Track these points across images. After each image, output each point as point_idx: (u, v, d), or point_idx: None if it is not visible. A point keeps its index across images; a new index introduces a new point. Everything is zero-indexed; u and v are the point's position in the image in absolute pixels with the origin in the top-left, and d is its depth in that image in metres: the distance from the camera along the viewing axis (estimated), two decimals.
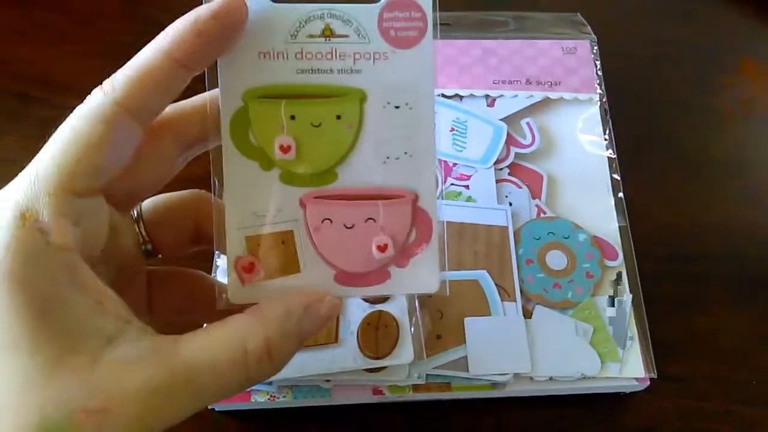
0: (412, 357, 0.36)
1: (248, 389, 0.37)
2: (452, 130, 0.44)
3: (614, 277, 0.40)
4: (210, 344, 0.23)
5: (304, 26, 0.26)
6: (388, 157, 0.27)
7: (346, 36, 0.26)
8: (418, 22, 0.26)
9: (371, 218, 0.27)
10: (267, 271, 0.27)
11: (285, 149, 0.26)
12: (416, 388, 0.37)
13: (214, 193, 0.27)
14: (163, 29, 0.24)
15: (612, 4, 0.58)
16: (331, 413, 0.39)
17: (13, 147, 0.48)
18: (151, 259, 0.30)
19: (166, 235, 0.29)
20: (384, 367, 0.37)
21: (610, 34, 0.50)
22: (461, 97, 0.46)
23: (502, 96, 0.46)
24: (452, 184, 0.43)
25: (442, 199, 0.42)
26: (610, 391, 0.39)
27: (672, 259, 0.45)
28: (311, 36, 0.26)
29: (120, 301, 0.23)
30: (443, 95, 0.46)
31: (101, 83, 0.23)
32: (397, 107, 0.27)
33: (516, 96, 0.46)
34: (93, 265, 0.23)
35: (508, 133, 0.44)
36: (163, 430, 0.22)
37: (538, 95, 0.46)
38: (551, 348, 0.38)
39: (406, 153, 0.27)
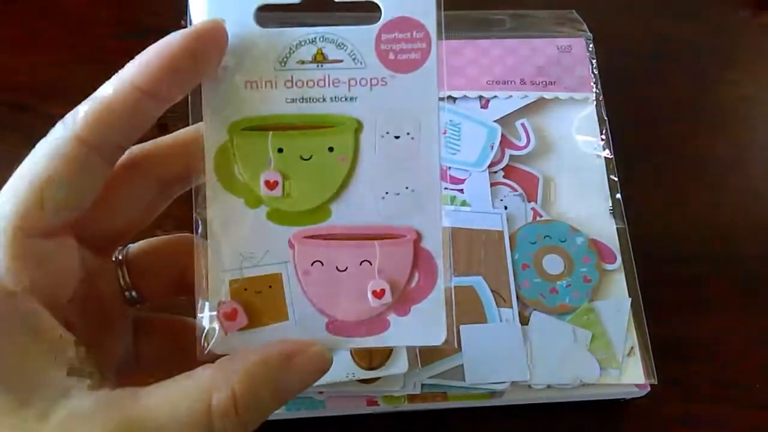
0: (406, 367, 0.35)
1: None
2: (445, 133, 0.44)
3: (613, 280, 0.40)
4: (172, 396, 0.21)
5: (294, 52, 0.24)
6: (387, 193, 0.25)
7: (341, 61, 0.24)
8: (420, 43, 0.24)
9: (367, 260, 0.25)
10: (251, 318, 0.24)
11: (271, 185, 0.24)
12: (411, 398, 0.37)
13: (197, 234, 0.25)
14: (155, 35, 0.22)
15: (607, 0, 0.57)
16: (325, 424, 0.38)
17: (3, 157, 0.47)
18: (137, 305, 0.28)
19: (152, 281, 0.27)
20: (378, 378, 0.36)
21: (606, 32, 0.49)
22: (454, 99, 0.45)
23: (495, 97, 0.45)
24: (446, 188, 0.42)
25: None
26: (610, 397, 0.38)
27: (672, 260, 0.44)
28: (302, 62, 0.24)
29: (83, 351, 0.21)
30: None
31: (93, 91, 0.22)
32: (397, 137, 0.24)
33: (510, 97, 0.45)
34: (60, 311, 0.22)
35: (502, 135, 0.44)
36: None
37: (532, 95, 0.45)
38: (549, 355, 0.37)
39: (407, 188, 0.24)
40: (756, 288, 0.44)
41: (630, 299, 0.39)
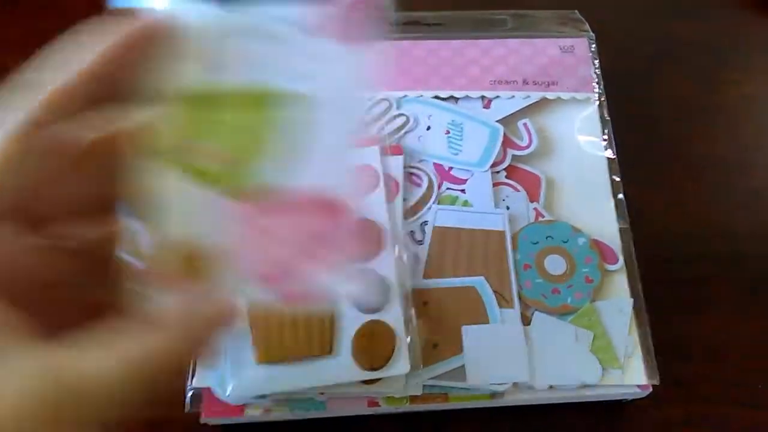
0: (408, 368, 0.35)
1: (243, 402, 0.36)
2: (447, 133, 0.44)
3: (615, 281, 0.39)
4: (98, 352, 0.21)
5: (244, 28, 0.23)
6: (328, 163, 0.24)
7: (286, 39, 0.23)
8: (366, 24, 0.24)
9: (308, 227, 0.24)
10: (189, 282, 0.24)
11: (215, 157, 0.23)
12: (413, 399, 0.36)
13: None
14: None
15: (609, 0, 0.57)
16: (326, 426, 0.38)
17: None
18: None
19: None
20: (379, 379, 0.36)
21: (608, 32, 0.49)
22: (456, 99, 0.45)
23: (498, 97, 0.45)
24: (448, 188, 0.42)
25: (438, 204, 0.41)
26: (613, 398, 0.38)
27: (674, 260, 0.44)
28: (246, 37, 0.23)
29: (10, 309, 0.21)
30: (438, 97, 0.45)
31: None
32: (343, 110, 0.24)
33: (512, 97, 0.45)
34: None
35: (504, 135, 0.43)
36: None
37: (535, 96, 0.45)
38: (551, 355, 0.37)
39: (347, 159, 0.25)
40: (759, 288, 0.43)
41: (632, 300, 0.39)
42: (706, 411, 0.40)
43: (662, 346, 0.38)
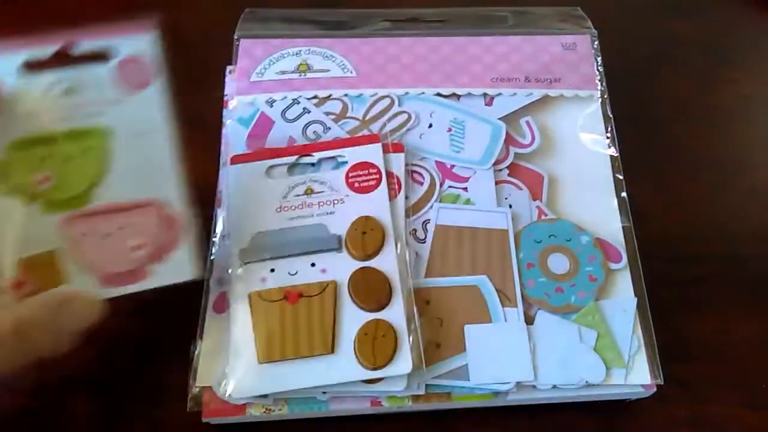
0: (410, 367, 0.35)
1: (244, 402, 0.36)
2: (449, 130, 0.43)
3: (619, 279, 0.39)
4: None
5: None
6: (135, 176, 0.35)
7: (85, 91, 0.35)
8: (147, 73, 0.36)
9: (125, 226, 0.35)
10: (37, 285, 0.33)
11: (43, 181, 0.34)
12: (415, 398, 0.36)
13: None
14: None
15: (615, 5, 0.56)
16: (328, 425, 0.38)
17: None
18: None
19: None
20: (382, 378, 0.35)
21: (611, 29, 0.49)
22: (458, 97, 0.45)
23: (500, 94, 0.45)
24: (450, 186, 0.42)
25: (440, 202, 0.41)
26: (616, 398, 0.38)
27: (677, 260, 0.44)
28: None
29: None
30: (440, 95, 0.44)
31: None
32: (138, 136, 0.36)
33: (515, 94, 0.45)
34: None
35: (507, 133, 0.43)
36: None
37: (537, 93, 0.45)
38: (554, 355, 0.37)
39: (148, 171, 0.35)
40: (760, 288, 0.43)
41: (636, 299, 0.39)
42: (708, 411, 0.39)
43: (664, 346, 0.38)
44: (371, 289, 0.37)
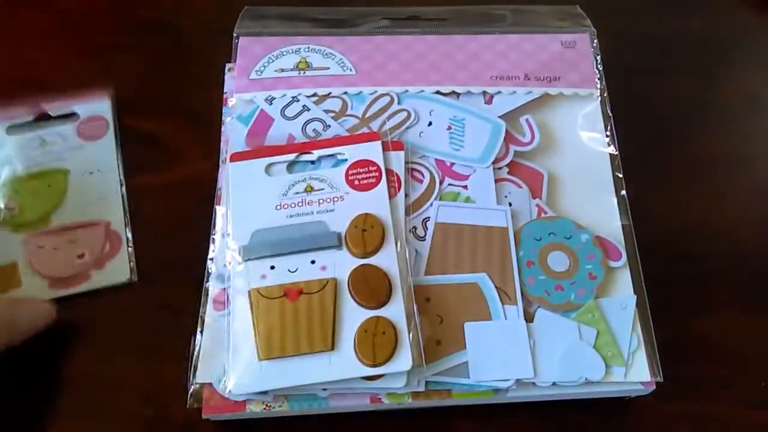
0: (410, 364, 0.35)
1: (244, 398, 0.36)
2: (449, 128, 0.43)
3: (618, 277, 0.39)
4: None
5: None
6: (88, 203, 0.44)
7: (56, 143, 0.46)
8: (102, 128, 0.47)
9: (73, 240, 0.43)
10: None
11: (10, 209, 0.44)
12: (415, 395, 0.36)
13: None
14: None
15: (615, 5, 0.57)
16: (328, 421, 0.38)
17: None
18: None
19: None
20: (382, 375, 0.36)
21: (610, 27, 0.49)
22: (458, 95, 0.45)
23: (500, 93, 0.45)
24: (450, 184, 0.42)
25: (440, 200, 0.41)
26: (616, 395, 0.38)
27: (677, 258, 0.44)
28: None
29: None
30: (439, 93, 0.44)
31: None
32: (90, 173, 0.45)
33: (514, 92, 0.45)
34: None
35: (506, 131, 0.43)
36: None
37: (537, 91, 0.45)
38: (554, 352, 0.37)
39: (99, 198, 0.45)
40: (760, 286, 0.43)
41: (635, 297, 0.39)
42: (708, 409, 0.40)
43: (664, 344, 0.38)
44: (371, 287, 0.37)
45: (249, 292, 0.37)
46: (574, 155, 0.43)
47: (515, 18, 0.49)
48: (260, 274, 0.38)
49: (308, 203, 0.40)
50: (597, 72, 0.46)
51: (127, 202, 0.45)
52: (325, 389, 0.36)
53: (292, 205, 0.40)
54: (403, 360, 0.35)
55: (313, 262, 0.38)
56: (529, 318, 0.38)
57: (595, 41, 0.47)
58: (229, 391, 0.35)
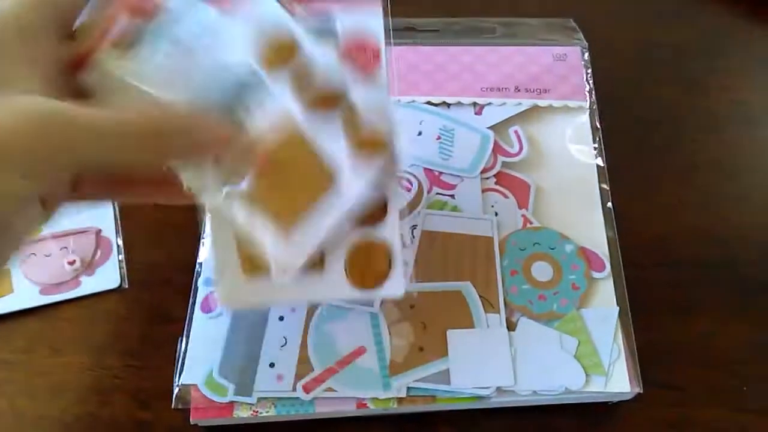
0: (403, 289, 0.34)
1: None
2: (438, 138, 0.44)
3: (601, 288, 0.40)
4: (92, 108, 0.24)
5: None
6: (79, 210, 0.40)
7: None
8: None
9: (65, 247, 0.44)
10: None
11: None
12: (400, 401, 0.37)
13: None
14: None
15: (600, 8, 0.57)
16: (314, 427, 0.38)
17: None
18: None
19: None
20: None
21: (601, 40, 0.49)
22: (448, 105, 0.45)
23: (490, 104, 0.45)
24: (437, 193, 0.42)
25: (426, 208, 0.42)
26: (599, 400, 0.38)
27: (664, 264, 0.44)
28: None
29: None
30: (430, 103, 0.45)
31: None
32: None
33: (504, 104, 0.45)
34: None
35: (495, 142, 0.44)
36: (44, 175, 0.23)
37: (526, 103, 0.45)
38: (535, 361, 0.37)
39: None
40: (750, 292, 0.43)
41: (618, 308, 0.39)
42: (692, 413, 0.40)
43: (650, 349, 0.38)
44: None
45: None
46: (562, 167, 0.44)
47: (508, 30, 0.49)
48: None
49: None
50: (587, 85, 0.46)
51: (118, 209, 0.46)
52: (310, 396, 0.36)
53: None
54: (396, 283, 0.33)
55: None
56: (511, 327, 0.38)
57: (586, 54, 0.48)
58: (219, 306, 0.36)
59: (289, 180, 0.32)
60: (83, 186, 0.27)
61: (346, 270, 0.34)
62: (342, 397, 0.37)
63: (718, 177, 0.48)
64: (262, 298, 0.35)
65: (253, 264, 0.33)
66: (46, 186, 0.24)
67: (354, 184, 0.32)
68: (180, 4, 0.29)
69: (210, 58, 0.29)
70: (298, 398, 0.37)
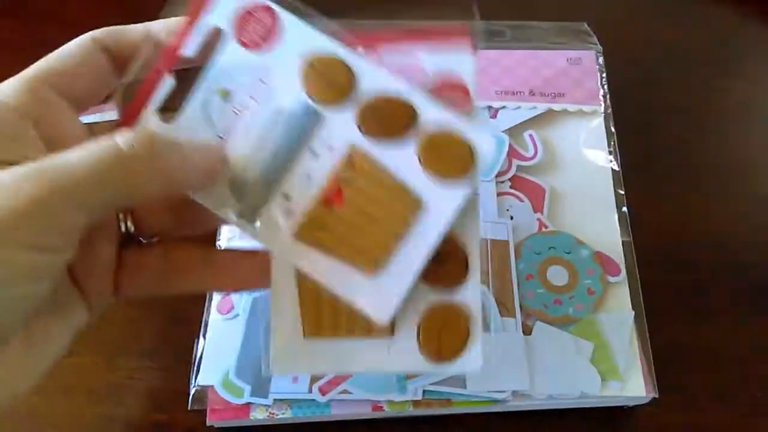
0: (481, 363, 0.29)
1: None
2: None
3: (617, 293, 0.40)
4: (80, 151, 0.23)
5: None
6: None
7: None
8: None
9: None
10: None
11: None
12: (416, 403, 0.37)
13: None
14: None
15: (613, 11, 0.57)
16: (330, 429, 0.38)
17: None
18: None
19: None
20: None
21: (615, 44, 0.49)
22: None
23: (504, 107, 0.45)
24: None
25: None
26: (614, 404, 0.38)
27: (677, 269, 0.45)
28: None
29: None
30: None
31: None
32: None
33: (519, 107, 0.45)
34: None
35: (510, 146, 0.44)
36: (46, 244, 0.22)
37: (541, 107, 0.45)
38: (551, 365, 0.37)
39: None
40: (759, 295, 0.44)
41: (633, 312, 0.39)
42: (706, 419, 0.40)
43: (663, 353, 0.38)
44: (446, 262, 0.28)
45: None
46: (577, 171, 0.44)
47: (523, 34, 0.49)
48: None
49: None
50: (601, 89, 0.46)
51: None
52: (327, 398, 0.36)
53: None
54: (476, 355, 0.29)
55: None
56: (527, 331, 0.38)
57: (600, 58, 0.48)
58: (269, 370, 0.29)
59: (368, 214, 0.28)
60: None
61: (418, 338, 0.29)
62: (358, 399, 0.37)
63: (734, 179, 0.49)
64: (322, 366, 0.30)
65: (317, 323, 0.29)
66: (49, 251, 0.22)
67: (441, 211, 0.27)
68: (222, 56, 0.28)
69: (262, 105, 0.28)
70: (314, 400, 0.37)
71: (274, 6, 0.28)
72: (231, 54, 0.28)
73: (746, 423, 0.40)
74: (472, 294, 0.29)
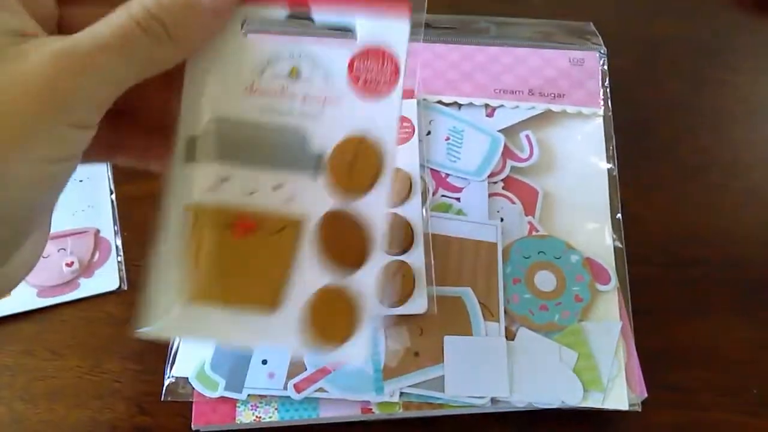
0: (363, 359, 0.28)
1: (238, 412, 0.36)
2: (447, 139, 0.43)
3: (605, 301, 0.39)
4: (98, 25, 0.23)
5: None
6: (77, 210, 0.45)
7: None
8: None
9: (63, 248, 0.43)
10: None
11: None
12: (406, 405, 0.36)
13: None
14: None
15: (614, 10, 0.56)
16: (316, 430, 0.38)
17: None
18: None
19: None
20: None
21: (618, 44, 0.48)
22: (460, 106, 0.44)
23: (502, 106, 0.44)
24: (443, 195, 0.41)
25: (431, 210, 0.41)
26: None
27: (671, 265, 0.44)
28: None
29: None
30: (441, 102, 0.44)
31: None
32: (80, 181, 0.46)
33: (517, 107, 0.44)
34: None
35: (505, 146, 0.43)
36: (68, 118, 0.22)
37: (540, 107, 0.44)
38: (532, 373, 0.37)
39: (89, 206, 0.45)
40: (758, 292, 0.43)
41: (621, 323, 0.38)
42: (698, 417, 0.39)
43: (657, 352, 0.38)
44: (347, 243, 0.27)
45: (188, 207, 0.27)
46: (572, 174, 0.43)
47: (526, 31, 0.48)
48: (207, 185, 0.27)
49: (289, 95, 0.27)
50: (603, 91, 0.45)
51: (117, 209, 0.45)
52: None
53: (268, 93, 0.27)
54: (358, 348, 0.27)
55: (278, 187, 0.27)
56: (510, 336, 0.38)
57: (603, 60, 0.46)
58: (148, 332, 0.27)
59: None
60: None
61: (304, 318, 0.27)
62: (337, 398, 0.36)
63: (726, 174, 0.48)
64: (201, 332, 0.28)
65: (202, 288, 0.27)
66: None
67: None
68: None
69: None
70: (302, 402, 0.36)
71: None
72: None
73: (739, 422, 0.39)
74: (367, 282, 0.27)
